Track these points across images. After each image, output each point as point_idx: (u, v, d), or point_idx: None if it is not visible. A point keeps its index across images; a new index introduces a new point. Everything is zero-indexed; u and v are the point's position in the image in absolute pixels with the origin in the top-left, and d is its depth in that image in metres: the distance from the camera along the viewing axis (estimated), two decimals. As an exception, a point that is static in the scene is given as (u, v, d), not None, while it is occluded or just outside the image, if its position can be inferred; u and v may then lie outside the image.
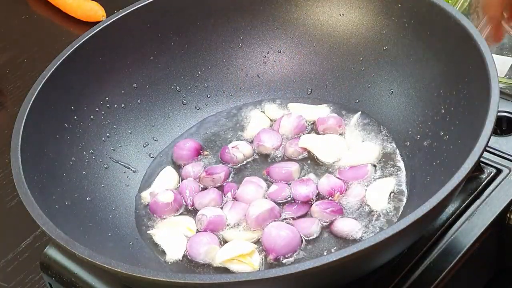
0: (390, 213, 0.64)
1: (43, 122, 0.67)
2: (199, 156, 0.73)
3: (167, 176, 0.72)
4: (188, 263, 0.64)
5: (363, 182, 0.67)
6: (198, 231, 0.66)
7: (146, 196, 0.70)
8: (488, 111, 0.56)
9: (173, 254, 0.64)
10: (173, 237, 0.65)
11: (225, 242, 0.65)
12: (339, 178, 0.68)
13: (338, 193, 0.66)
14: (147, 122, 0.75)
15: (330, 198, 0.66)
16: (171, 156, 0.74)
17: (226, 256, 0.62)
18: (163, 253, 0.65)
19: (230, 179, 0.71)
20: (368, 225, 0.64)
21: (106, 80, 0.73)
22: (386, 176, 0.67)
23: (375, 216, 0.64)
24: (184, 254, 0.64)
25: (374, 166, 0.68)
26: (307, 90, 0.77)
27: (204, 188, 0.70)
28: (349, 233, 0.63)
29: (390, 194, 0.66)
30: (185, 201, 0.69)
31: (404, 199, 0.65)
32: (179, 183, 0.71)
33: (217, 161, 0.73)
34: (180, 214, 0.68)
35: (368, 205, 0.65)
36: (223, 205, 0.68)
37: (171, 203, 0.68)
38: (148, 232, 0.67)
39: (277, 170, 0.69)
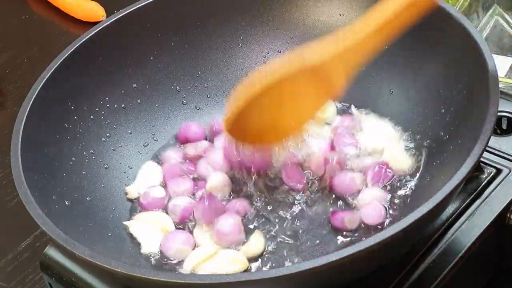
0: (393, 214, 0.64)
1: (43, 122, 0.67)
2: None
3: (150, 171, 0.72)
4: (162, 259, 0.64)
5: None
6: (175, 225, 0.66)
7: (130, 190, 0.70)
8: (488, 111, 0.56)
9: (149, 247, 0.65)
10: (149, 231, 0.66)
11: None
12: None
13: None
14: (147, 122, 0.75)
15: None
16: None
17: (194, 262, 0.63)
18: (138, 244, 0.65)
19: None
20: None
21: (106, 80, 0.73)
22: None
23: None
24: (159, 249, 0.65)
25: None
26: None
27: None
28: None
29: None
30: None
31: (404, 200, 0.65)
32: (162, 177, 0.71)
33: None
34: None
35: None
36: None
37: (164, 197, 0.68)
38: (123, 222, 0.67)
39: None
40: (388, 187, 0.66)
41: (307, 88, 0.63)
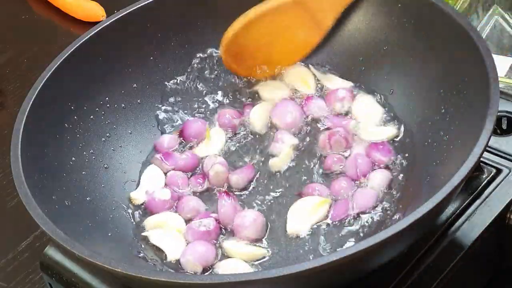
0: (390, 213, 0.64)
1: (43, 122, 0.67)
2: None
3: (153, 174, 0.71)
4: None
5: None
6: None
7: (135, 197, 0.69)
8: (488, 111, 0.56)
9: (173, 254, 0.64)
10: (170, 238, 0.65)
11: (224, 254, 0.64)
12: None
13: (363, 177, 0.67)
14: (147, 122, 0.75)
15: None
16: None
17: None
18: (163, 253, 0.65)
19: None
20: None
21: (106, 80, 0.73)
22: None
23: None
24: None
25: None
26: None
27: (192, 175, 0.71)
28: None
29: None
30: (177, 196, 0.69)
31: (404, 199, 0.65)
32: (165, 179, 0.71)
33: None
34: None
35: None
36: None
37: (169, 200, 0.68)
38: (142, 234, 0.66)
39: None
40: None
41: (296, 21, 0.73)
